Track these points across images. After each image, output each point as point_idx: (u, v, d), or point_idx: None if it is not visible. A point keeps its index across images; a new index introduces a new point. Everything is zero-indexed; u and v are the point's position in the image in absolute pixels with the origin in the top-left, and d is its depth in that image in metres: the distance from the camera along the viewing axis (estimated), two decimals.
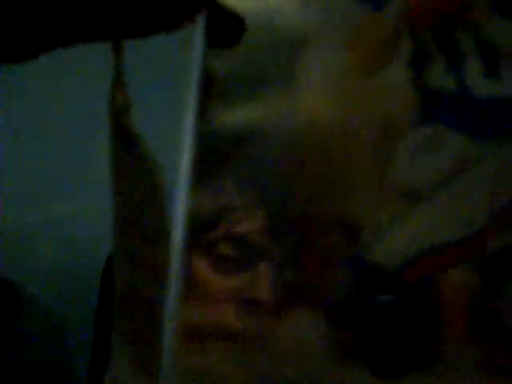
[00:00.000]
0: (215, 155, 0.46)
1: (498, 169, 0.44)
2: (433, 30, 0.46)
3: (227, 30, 0.39)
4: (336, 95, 0.46)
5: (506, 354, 0.42)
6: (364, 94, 0.45)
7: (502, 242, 0.44)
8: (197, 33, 0.43)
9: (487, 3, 0.45)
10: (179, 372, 0.44)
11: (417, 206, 0.44)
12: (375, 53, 0.46)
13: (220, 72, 0.45)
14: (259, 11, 0.45)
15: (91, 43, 0.38)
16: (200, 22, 0.40)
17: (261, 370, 0.45)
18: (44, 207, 1.21)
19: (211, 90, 0.44)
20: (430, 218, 0.44)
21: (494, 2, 0.46)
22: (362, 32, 0.46)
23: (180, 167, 0.45)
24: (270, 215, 0.45)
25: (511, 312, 0.43)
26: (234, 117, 0.46)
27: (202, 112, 0.44)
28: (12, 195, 1.17)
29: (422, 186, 0.44)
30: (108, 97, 0.41)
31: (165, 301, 0.38)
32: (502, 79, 0.45)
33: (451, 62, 0.45)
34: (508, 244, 0.44)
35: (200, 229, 0.44)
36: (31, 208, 1.20)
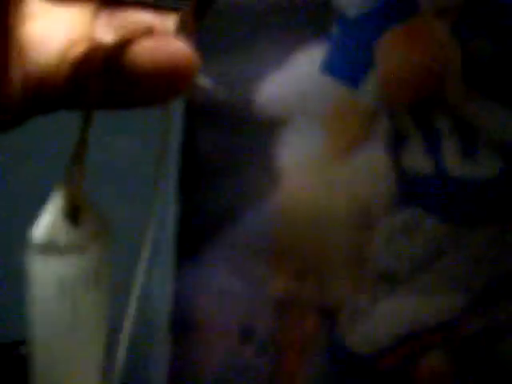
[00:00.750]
0: (197, 234, 0.47)
1: (474, 254, 0.44)
2: (409, 109, 0.46)
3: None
4: (313, 180, 0.46)
5: None
6: (341, 178, 0.46)
7: (478, 325, 0.44)
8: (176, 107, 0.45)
9: (461, 80, 0.45)
10: None
11: (395, 290, 0.44)
12: (351, 132, 0.47)
13: (204, 148, 0.46)
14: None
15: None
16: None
17: None
18: None
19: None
20: (407, 302, 0.44)
21: (470, 80, 0.46)
22: (338, 112, 0.47)
23: (162, 243, 0.46)
24: (249, 297, 0.46)
25: None
26: (216, 196, 0.47)
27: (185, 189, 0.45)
28: None
29: (399, 270, 0.45)
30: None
31: None
32: (480, 160, 0.45)
33: (428, 142, 0.45)
34: (483, 326, 0.44)
35: None
36: None
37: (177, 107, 0.47)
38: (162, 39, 0.26)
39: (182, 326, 0.46)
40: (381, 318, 0.44)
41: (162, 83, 0.32)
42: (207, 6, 0.38)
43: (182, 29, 0.31)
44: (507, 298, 0.44)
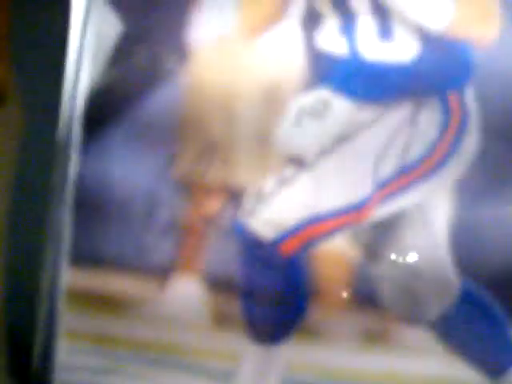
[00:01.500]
0: (102, 114, 0.45)
1: (384, 137, 0.43)
2: None
3: None
4: (223, 59, 0.44)
5: (381, 321, 0.41)
6: (251, 57, 0.44)
7: (384, 212, 0.43)
8: None
9: None
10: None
11: (301, 172, 0.43)
12: (266, 10, 0.45)
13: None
14: None
15: None
16: None
17: (143, 335, 0.44)
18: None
19: None
20: (313, 185, 0.43)
21: None
22: None
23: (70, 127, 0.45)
24: (154, 177, 0.44)
25: (386, 280, 0.41)
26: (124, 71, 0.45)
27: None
28: None
29: (306, 153, 0.43)
30: None
31: None
32: (395, 42, 0.43)
33: (344, 22, 0.44)
34: (390, 214, 0.42)
35: None
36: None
37: None
38: None
39: (86, 213, 0.45)
40: (285, 202, 0.43)
41: None
42: None
43: None
44: (415, 186, 0.42)
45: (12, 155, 0.46)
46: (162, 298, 0.44)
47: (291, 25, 0.44)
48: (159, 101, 0.45)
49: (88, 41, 0.45)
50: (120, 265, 0.44)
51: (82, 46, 0.45)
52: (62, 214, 0.44)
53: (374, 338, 0.42)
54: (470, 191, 0.41)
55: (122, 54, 0.46)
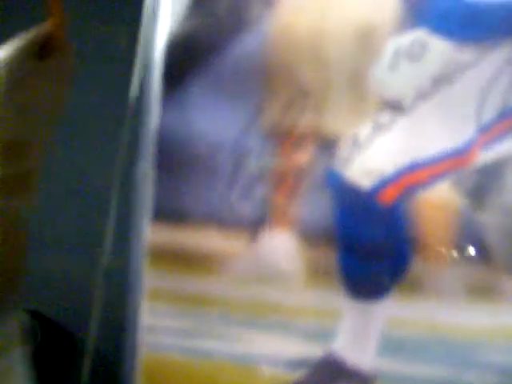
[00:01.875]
0: (183, 63, 0.43)
1: (485, 79, 0.40)
2: None
3: None
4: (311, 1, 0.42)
5: (487, 273, 0.39)
6: None
7: (489, 156, 0.40)
8: None
9: None
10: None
11: (398, 117, 0.41)
12: None
13: None
14: None
15: None
16: None
17: (232, 294, 0.42)
18: None
19: None
20: (411, 131, 0.41)
21: None
22: None
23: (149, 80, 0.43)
24: (241, 128, 0.42)
25: (492, 227, 0.39)
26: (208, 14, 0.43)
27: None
28: None
29: (403, 96, 0.41)
30: None
31: None
32: None
33: None
34: (494, 158, 0.40)
35: None
36: None
37: None
38: None
39: (169, 168, 0.42)
40: (382, 149, 0.41)
41: None
42: None
43: None
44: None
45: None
46: (252, 254, 0.41)
47: None
48: (244, 48, 0.42)
49: None
50: (207, 220, 0.42)
51: None
52: (143, 169, 0.42)
53: (480, 292, 0.39)
54: None
55: (202, 1, 0.44)
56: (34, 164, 0.42)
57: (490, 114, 0.40)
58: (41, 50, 0.41)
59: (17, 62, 0.41)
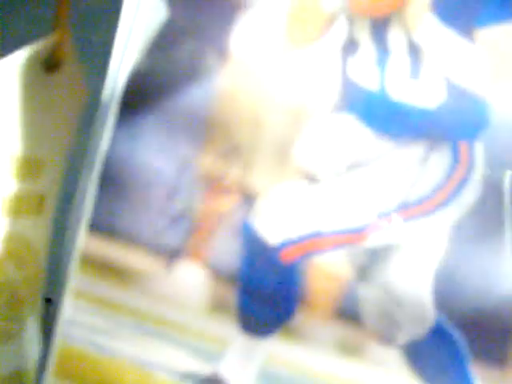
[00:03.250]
0: (139, 96, 0.48)
1: (394, 171, 0.46)
2: (369, 21, 0.47)
3: None
4: (262, 66, 0.47)
5: (358, 335, 0.46)
6: (287, 70, 0.47)
7: (381, 240, 0.46)
8: None
9: (429, 6, 0.46)
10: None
11: (312, 188, 0.47)
12: (310, 28, 0.47)
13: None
14: None
15: None
16: None
17: (144, 307, 0.49)
18: None
19: None
20: (321, 202, 0.47)
21: (439, 7, 0.46)
22: (300, 7, 0.47)
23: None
24: (177, 167, 0.48)
25: (370, 301, 0.46)
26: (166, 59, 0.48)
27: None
28: None
29: (320, 171, 0.47)
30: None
31: None
32: (422, 85, 0.46)
33: (378, 57, 0.46)
34: (385, 243, 0.46)
35: None
36: None
37: None
38: None
39: (110, 188, 0.48)
40: (293, 212, 0.47)
41: None
42: None
43: None
44: (413, 222, 0.46)
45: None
46: (166, 277, 0.48)
47: (329, 47, 0.47)
48: (193, 95, 0.48)
49: (137, 23, 0.48)
50: (134, 240, 0.48)
51: (131, 27, 0.48)
52: (88, 184, 0.48)
53: (350, 349, 0.46)
54: (462, 238, 0.45)
55: (165, 42, 0.48)
56: (47, 185, 0.45)
57: (389, 204, 0.46)
58: (48, 63, 0.44)
59: (24, 74, 0.42)
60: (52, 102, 0.45)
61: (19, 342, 0.50)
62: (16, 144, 0.45)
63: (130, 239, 0.48)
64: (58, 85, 0.45)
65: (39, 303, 0.51)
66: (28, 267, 0.49)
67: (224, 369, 0.48)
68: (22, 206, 0.46)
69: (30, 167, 0.46)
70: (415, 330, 0.46)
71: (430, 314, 0.45)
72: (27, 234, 0.47)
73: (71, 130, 0.47)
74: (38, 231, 0.48)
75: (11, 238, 0.46)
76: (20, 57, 0.44)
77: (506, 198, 0.45)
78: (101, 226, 0.48)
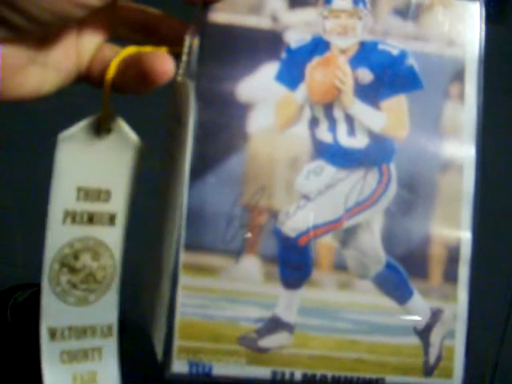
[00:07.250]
0: (204, 162, 0.83)
1: (349, 187, 0.85)
2: (322, 105, 0.86)
3: None
4: (267, 142, 0.84)
5: (347, 276, 0.85)
6: (282, 142, 0.84)
7: (350, 224, 0.85)
8: None
9: (353, 93, 0.85)
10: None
11: (308, 203, 0.85)
12: (290, 115, 0.85)
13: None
14: None
15: None
16: None
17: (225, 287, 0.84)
18: None
19: None
20: (314, 210, 0.85)
21: (359, 92, 0.86)
22: (284, 103, 0.85)
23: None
24: (233, 200, 0.84)
25: (350, 256, 0.85)
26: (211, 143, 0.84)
27: None
28: None
29: (311, 193, 0.85)
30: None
31: None
32: (357, 137, 0.85)
33: (330, 125, 0.85)
34: (352, 225, 0.85)
35: None
36: None
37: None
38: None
39: (192, 220, 0.83)
40: (300, 217, 0.85)
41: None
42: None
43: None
44: (365, 212, 0.85)
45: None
46: (237, 267, 0.83)
47: (303, 125, 0.85)
48: (235, 160, 0.84)
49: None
50: (213, 249, 0.83)
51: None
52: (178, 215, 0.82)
53: (344, 286, 0.85)
54: (392, 215, 0.85)
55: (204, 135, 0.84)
56: (117, 206, 0.61)
57: (350, 203, 0.85)
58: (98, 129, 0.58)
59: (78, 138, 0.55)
60: (108, 159, 0.60)
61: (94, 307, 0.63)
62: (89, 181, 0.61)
63: (212, 248, 0.83)
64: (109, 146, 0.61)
65: (116, 285, 0.67)
66: (102, 259, 0.63)
67: (279, 312, 0.84)
68: (98, 219, 0.62)
69: (101, 195, 0.61)
70: (376, 268, 0.85)
71: (382, 257, 0.85)
72: (102, 237, 0.63)
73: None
74: (111, 237, 0.64)
75: (90, 238, 0.63)
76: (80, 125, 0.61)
77: (406, 190, 0.86)
78: (192, 244, 0.83)
